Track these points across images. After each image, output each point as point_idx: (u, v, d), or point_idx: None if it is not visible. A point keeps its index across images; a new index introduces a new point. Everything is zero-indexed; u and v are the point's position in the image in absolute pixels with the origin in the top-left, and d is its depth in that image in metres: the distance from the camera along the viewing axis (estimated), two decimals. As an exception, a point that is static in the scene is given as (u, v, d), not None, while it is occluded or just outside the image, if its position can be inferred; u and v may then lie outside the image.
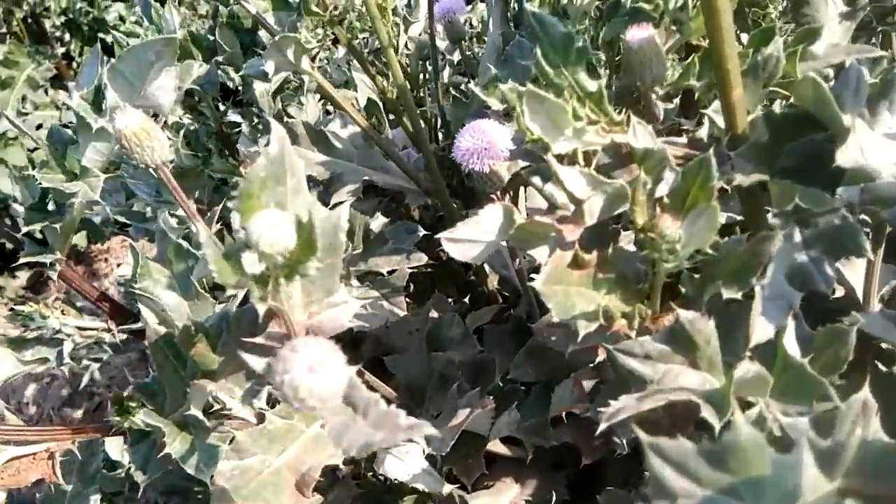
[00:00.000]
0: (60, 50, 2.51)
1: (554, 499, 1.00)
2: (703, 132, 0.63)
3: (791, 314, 0.53)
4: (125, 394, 0.61)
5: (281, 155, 0.44)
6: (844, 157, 0.53)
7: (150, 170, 0.54)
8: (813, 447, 0.34)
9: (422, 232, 0.95)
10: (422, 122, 1.25)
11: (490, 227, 0.49)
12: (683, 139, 0.64)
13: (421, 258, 0.92)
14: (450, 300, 1.22)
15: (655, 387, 0.52)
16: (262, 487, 0.54)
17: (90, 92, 0.66)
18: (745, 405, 0.54)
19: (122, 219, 1.05)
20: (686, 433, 0.69)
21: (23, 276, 2.53)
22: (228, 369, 0.51)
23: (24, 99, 2.25)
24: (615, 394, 0.68)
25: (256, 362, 0.31)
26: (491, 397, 0.72)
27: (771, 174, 0.58)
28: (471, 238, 0.49)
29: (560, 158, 0.54)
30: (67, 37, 2.51)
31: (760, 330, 0.54)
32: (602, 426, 0.47)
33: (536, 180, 0.55)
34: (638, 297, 0.56)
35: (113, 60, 0.64)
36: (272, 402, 0.63)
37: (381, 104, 1.18)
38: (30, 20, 2.42)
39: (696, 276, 0.58)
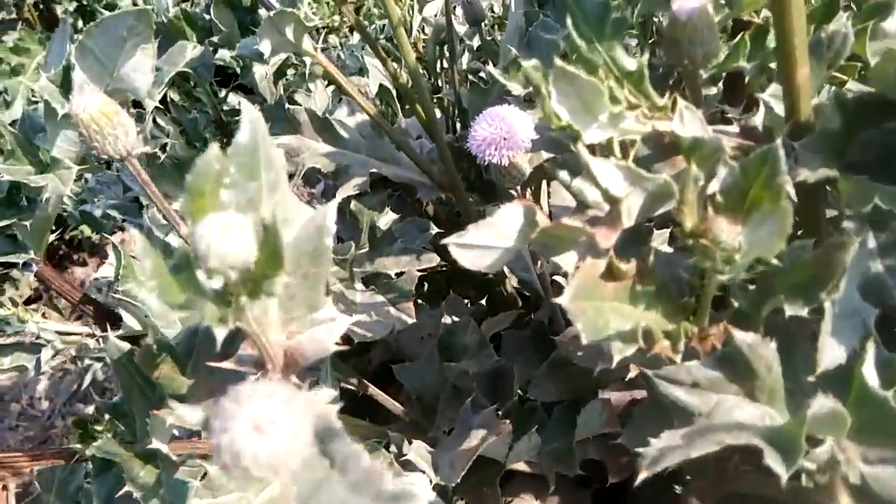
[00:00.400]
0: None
1: (577, 519, 0.92)
2: (757, 119, 0.54)
3: (868, 336, 0.44)
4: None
5: (254, 143, 0.36)
6: (935, 148, 0.45)
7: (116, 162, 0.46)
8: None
9: (434, 230, 0.87)
10: (438, 110, 1.17)
11: (508, 230, 0.41)
12: (734, 128, 0.55)
13: (432, 259, 0.84)
14: (466, 301, 1.14)
15: (705, 421, 0.44)
16: (238, 531, 0.46)
17: (58, 73, 0.59)
18: (812, 443, 0.45)
19: (115, 213, 0.99)
20: (730, 465, 0.60)
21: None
22: (199, 394, 0.44)
23: (33, 88, 2.19)
24: (650, 420, 0.59)
25: (190, 414, 0.24)
26: (508, 422, 0.64)
27: (841, 169, 0.49)
28: (484, 244, 0.41)
29: (592, 149, 0.46)
30: (80, 23, 2.45)
31: (830, 353, 0.46)
32: (643, 475, 0.39)
33: (563, 175, 0.47)
34: (682, 312, 0.47)
35: (80, 36, 0.57)
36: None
37: (393, 91, 1.10)
38: (41, 6, 2.37)
39: (751, 287, 0.49)
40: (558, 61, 0.39)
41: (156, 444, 0.43)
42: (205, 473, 0.48)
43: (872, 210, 0.47)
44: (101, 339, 0.77)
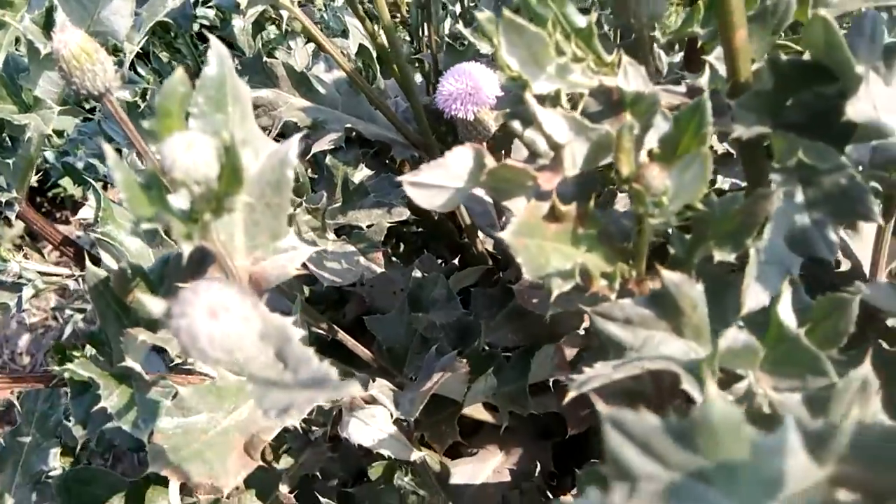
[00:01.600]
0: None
1: (539, 468, 0.97)
2: (703, 80, 0.58)
3: (788, 280, 0.48)
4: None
5: (221, 77, 0.39)
6: (854, 110, 0.48)
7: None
8: (801, 428, 0.29)
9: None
10: (419, 74, 1.20)
11: (458, 171, 0.44)
12: (682, 87, 0.58)
13: (403, 213, 0.88)
14: (440, 261, 1.17)
15: (635, 354, 0.48)
16: (205, 449, 0.50)
17: (40, 14, 0.61)
18: (734, 379, 0.50)
19: (96, 163, 1.01)
20: (673, 408, 0.65)
21: (19, 225, 2.50)
22: (170, 318, 0.47)
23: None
24: (596, 362, 0.63)
25: (154, 304, 0.27)
26: (465, 360, 0.68)
27: (776, 127, 0.52)
28: (437, 183, 0.45)
29: (543, 102, 0.49)
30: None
31: (754, 297, 0.50)
32: (571, 394, 0.43)
33: (516, 125, 0.50)
34: (622, 256, 0.51)
35: (63, -20, 0.59)
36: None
37: (374, 52, 1.12)
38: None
39: (688, 236, 0.53)
40: (507, 12, 0.42)
41: (129, 362, 0.46)
42: (176, 393, 0.52)
43: (802, 167, 0.51)
44: (80, 280, 0.80)
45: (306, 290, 1.06)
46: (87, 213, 0.74)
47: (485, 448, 1.00)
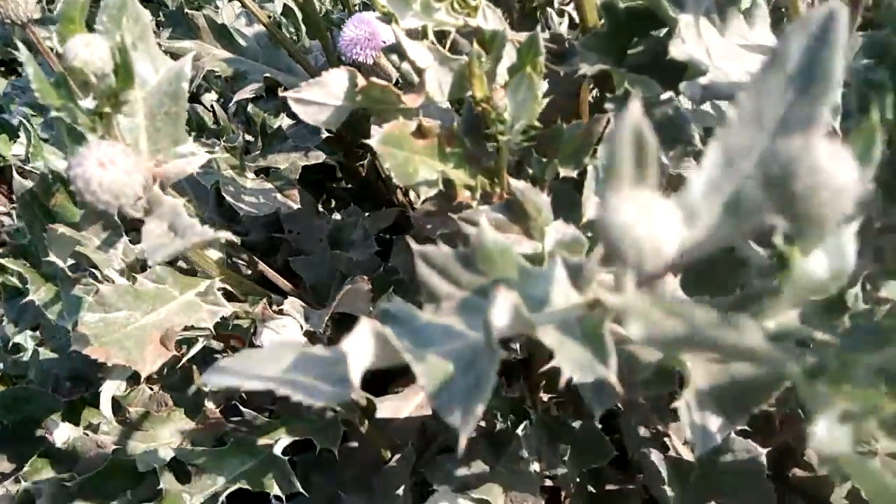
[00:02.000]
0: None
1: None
2: (562, 27, 0.67)
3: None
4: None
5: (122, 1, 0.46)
6: (677, 49, 0.57)
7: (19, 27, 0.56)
8: (566, 264, 0.38)
9: (325, 133, 0.98)
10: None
11: (335, 90, 0.52)
12: (545, 34, 0.67)
13: (319, 156, 0.95)
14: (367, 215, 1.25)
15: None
16: (124, 338, 0.57)
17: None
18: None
19: (29, 111, 1.06)
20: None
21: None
22: (89, 221, 0.54)
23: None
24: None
25: (58, 162, 0.34)
26: (366, 278, 0.76)
27: (619, 66, 0.62)
28: (318, 100, 0.53)
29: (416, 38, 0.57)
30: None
31: (592, 207, 0.59)
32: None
33: (394, 58, 0.58)
34: (487, 174, 0.60)
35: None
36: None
37: (298, 14, 1.19)
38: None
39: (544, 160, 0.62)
40: (371, -45, 0.50)
41: (52, 258, 0.53)
42: (97, 291, 0.59)
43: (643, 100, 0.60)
44: (13, 213, 0.86)
45: (239, 239, 1.13)
46: (18, 149, 0.79)
47: (409, 387, 1.09)
